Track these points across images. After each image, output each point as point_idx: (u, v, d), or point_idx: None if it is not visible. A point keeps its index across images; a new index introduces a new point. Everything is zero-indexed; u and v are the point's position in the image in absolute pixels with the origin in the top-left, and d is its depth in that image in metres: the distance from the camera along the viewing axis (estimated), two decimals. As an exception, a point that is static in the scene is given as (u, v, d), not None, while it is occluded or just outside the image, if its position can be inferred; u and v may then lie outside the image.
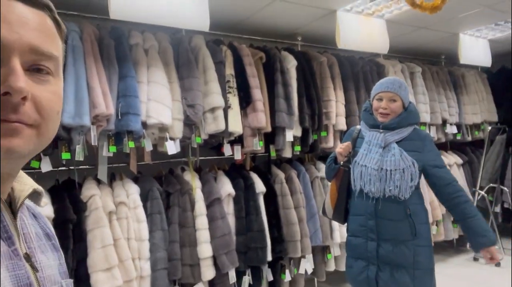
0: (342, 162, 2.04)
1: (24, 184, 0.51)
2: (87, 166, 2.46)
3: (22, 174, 0.52)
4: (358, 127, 2.09)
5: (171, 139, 2.42)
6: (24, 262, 0.46)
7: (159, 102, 2.37)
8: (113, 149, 2.32)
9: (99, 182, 2.39)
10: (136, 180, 2.53)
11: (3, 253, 0.43)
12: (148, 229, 2.35)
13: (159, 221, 2.39)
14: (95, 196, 2.24)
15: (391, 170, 1.85)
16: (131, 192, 2.38)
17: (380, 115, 1.94)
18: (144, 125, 2.35)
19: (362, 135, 2.03)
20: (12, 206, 0.49)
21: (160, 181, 2.59)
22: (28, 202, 0.54)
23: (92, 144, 2.18)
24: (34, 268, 0.47)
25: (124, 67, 2.30)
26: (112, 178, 2.52)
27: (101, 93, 2.14)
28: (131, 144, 2.31)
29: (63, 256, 0.57)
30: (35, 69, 0.44)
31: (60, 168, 2.35)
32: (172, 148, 2.40)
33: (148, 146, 2.41)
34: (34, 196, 0.52)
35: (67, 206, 2.16)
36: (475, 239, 1.81)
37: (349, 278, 2.04)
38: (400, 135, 1.92)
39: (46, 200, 2.14)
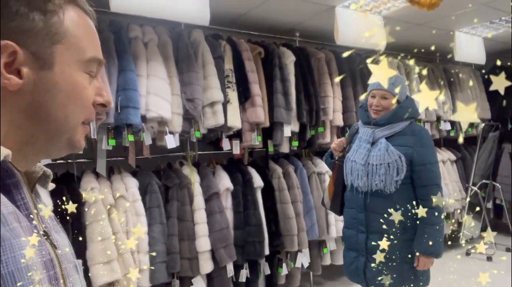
0: (337, 157, 2.09)
1: (34, 167, 0.53)
2: (86, 160, 2.45)
3: None
4: (359, 123, 2.12)
5: (171, 133, 2.43)
6: (43, 238, 0.47)
7: (158, 96, 2.37)
8: (112, 142, 2.31)
9: (97, 175, 2.38)
10: (134, 174, 2.53)
11: (26, 229, 0.44)
12: (147, 223, 2.36)
13: (158, 214, 2.40)
14: (94, 190, 2.24)
15: (376, 165, 1.87)
16: (130, 185, 2.39)
17: (373, 111, 1.97)
18: (143, 118, 2.35)
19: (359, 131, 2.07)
20: None
21: (159, 175, 2.59)
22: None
23: (91, 137, 2.18)
24: (53, 245, 0.48)
25: (123, 60, 2.29)
26: (111, 171, 2.51)
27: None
28: (131, 138, 2.31)
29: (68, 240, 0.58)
30: None
31: (58, 161, 2.33)
32: (171, 142, 2.41)
33: (147, 140, 2.41)
34: (42, 179, 0.54)
35: (66, 199, 2.15)
36: (421, 242, 1.82)
37: (344, 267, 2.11)
38: (390, 130, 1.93)
39: (44, 194, 2.13)
